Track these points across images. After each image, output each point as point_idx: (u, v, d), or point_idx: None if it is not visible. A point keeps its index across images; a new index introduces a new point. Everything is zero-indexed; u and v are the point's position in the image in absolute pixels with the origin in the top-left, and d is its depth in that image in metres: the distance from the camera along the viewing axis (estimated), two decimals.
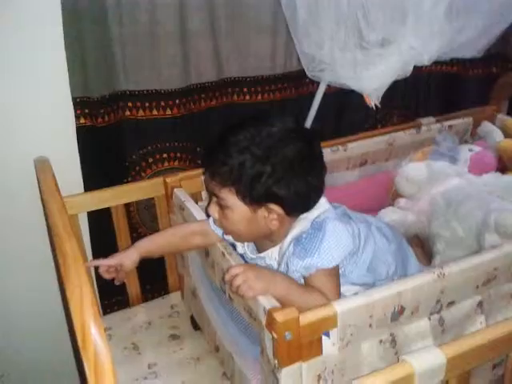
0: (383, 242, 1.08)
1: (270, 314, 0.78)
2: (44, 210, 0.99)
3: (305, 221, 0.95)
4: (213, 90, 1.36)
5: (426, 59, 1.21)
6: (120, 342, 1.30)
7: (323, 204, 0.98)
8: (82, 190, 1.30)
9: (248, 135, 0.90)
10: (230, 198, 0.92)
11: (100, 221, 1.32)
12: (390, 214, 1.31)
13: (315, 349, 0.82)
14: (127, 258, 1.05)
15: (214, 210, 0.96)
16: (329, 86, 1.37)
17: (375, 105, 1.28)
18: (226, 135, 0.92)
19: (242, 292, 0.84)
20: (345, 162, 1.45)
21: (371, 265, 1.03)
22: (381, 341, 0.88)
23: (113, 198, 1.26)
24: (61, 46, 1.16)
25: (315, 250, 0.90)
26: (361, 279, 1.02)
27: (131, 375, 1.20)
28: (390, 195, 1.45)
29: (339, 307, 0.81)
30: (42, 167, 1.07)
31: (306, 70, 1.26)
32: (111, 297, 1.45)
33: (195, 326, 1.29)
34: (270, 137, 0.90)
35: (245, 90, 1.39)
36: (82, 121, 1.24)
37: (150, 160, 1.35)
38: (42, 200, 0.97)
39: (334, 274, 0.93)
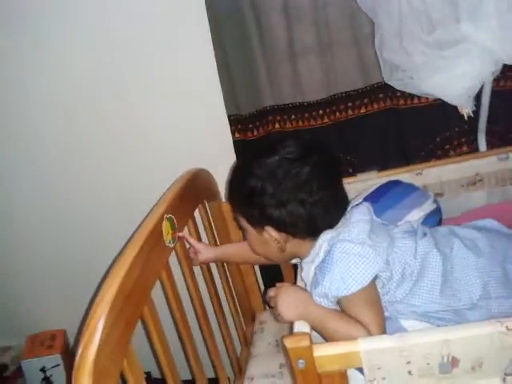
0: (465, 257, 0.90)
1: (281, 338, 0.78)
2: None
3: (320, 244, 0.89)
4: (360, 98, 1.32)
5: (505, 58, 0.91)
6: (267, 337, 1.42)
7: (345, 221, 0.91)
8: None
9: (251, 162, 0.92)
10: (242, 220, 0.95)
11: None
12: None
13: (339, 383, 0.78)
14: (205, 252, 1.18)
15: (242, 233, 1.00)
16: None
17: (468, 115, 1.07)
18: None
19: (275, 316, 0.85)
20: None
21: (446, 287, 0.88)
22: None
23: None
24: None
25: (324, 277, 0.84)
26: (430, 307, 0.87)
27: (263, 369, 1.31)
28: None
29: (363, 345, 0.74)
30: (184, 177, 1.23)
31: (384, 79, 1.14)
32: None
33: None
34: (273, 162, 0.89)
35: (398, 93, 1.30)
36: (237, 135, 1.39)
37: None
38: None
39: (365, 301, 0.84)
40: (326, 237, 0.90)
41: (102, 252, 1.30)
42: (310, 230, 0.91)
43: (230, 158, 1.41)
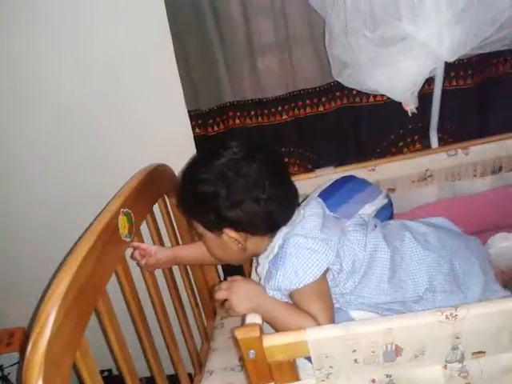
0: (415, 250, 0.94)
1: (232, 330, 0.79)
2: None
3: (276, 239, 0.92)
4: (319, 96, 1.34)
5: (445, 55, 0.96)
6: (227, 331, 1.42)
7: (298, 216, 0.94)
8: None
9: (198, 168, 0.93)
10: (198, 226, 0.97)
11: None
12: (498, 242, 1.08)
13: (289, 373, 0.80)
14: (161, 253, 1.16)
15: (203, 241, 1.01)
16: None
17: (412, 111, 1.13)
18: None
19: (227, 309, 0.87)
20: (469, 168, 1.26)
21: (394, 279, 0.92)
22: (373, 380, 0.79)
23: None
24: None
25: (278, 271, 0.87)
26: (379, 298, 0.91)
27: (223, 363, 1.32)
28: None
29: (310, 335, 0.77)
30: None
31: (334, 75, 1.17)
32: None
33: None
34: (220, 164, 0.91)
35: (354, 92, 1.33)
36: (198, 131, 1.39)
37: None
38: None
39: (315, 293, 0.87)
40: (281, 233, 0.92)
41: (59, 249, 1.28)
42: (269, 226, 0.93)
43: (190, 153, 1.42)
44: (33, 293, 1.53)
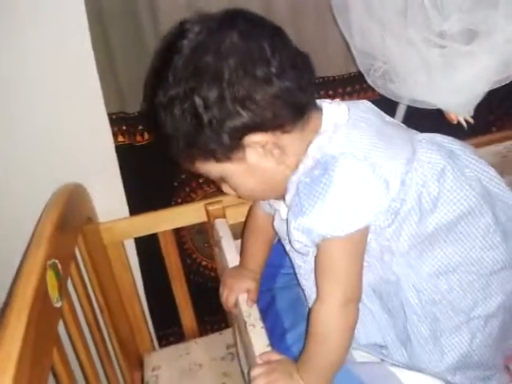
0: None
1: None
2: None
3: (313, 151, 0.65)
4: None
5: None
6: None
7: (337, 112, 0.67)
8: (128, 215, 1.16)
9: (165, 78, 0.63)
10: (213, 167, 0.68)
11: (149, 246, 1.19)
12: None
13: None
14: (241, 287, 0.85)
15: (226, 188, 0.74)
16: None
17: (466, 121, 0.90)
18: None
19: None
20: None
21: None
22: None
23: (154, 223, 1.14)
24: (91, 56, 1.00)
25: (315, 206, 0.61)
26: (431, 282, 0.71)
27: None
28: None
29: None
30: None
31: (365, 76, 0.92)
32: (167, 327, 1.32)
33: None
34: (185, 60, 0.62)
35: None
36: (121, 139, 1.09)
37: (201, 180, 1.17)
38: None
39: (350, 249, 0.63)
40: (317, 139, 0.65)
41: None
42: (295, 109, 0.64)
43: (110, 167, 1.11)
44: None
